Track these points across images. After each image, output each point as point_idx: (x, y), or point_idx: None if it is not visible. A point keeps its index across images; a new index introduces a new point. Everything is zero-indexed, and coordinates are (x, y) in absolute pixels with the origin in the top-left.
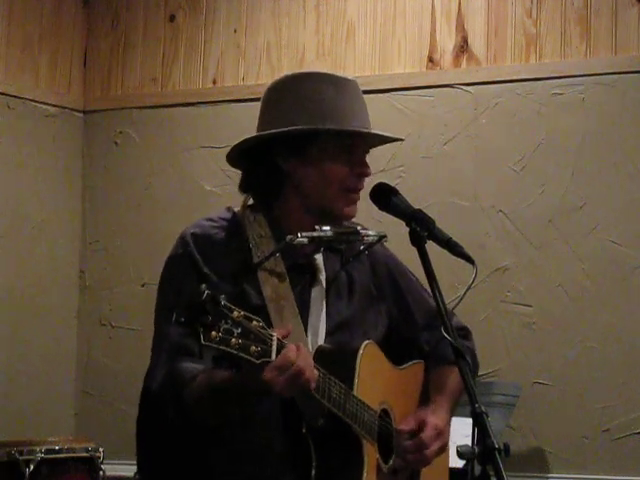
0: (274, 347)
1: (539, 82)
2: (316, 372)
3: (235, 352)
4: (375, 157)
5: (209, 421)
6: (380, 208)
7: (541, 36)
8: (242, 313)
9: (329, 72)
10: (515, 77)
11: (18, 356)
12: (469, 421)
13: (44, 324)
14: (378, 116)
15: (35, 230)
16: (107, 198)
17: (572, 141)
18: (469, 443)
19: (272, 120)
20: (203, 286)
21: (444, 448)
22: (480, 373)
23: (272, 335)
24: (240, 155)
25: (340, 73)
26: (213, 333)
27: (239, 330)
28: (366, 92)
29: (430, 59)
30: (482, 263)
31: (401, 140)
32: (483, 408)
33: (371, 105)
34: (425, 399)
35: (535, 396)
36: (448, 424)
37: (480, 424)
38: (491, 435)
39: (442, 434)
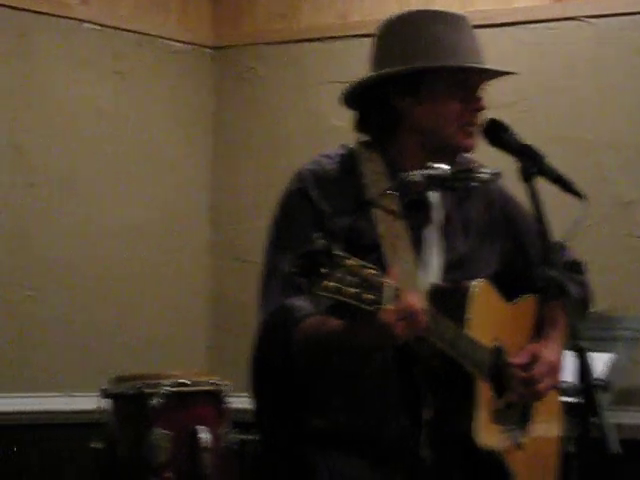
0: (388, 294)
1: None
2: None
3: (349, 300)
4: (498, 91)
5: (315, 364)
6: (491, 144)
7: None
8: (356, 261)
9: (440, 10)
10: (638, 9)
11: (151, 292)
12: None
13: (176, 260)
14: (501, 50)
15: (166, 166)
16: (237, 134)
17: None
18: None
19: (385, 59)
20: (316, 235)
21: (557, 382)
22: (603, 308)
23: (386, 282)
24: (354, 95)
25: (464, 10)
26: (326, 282)
27: (353, 278)
28: (490, 26)
29: None
30: (606, 197)
31: (514, 74)
32: (585, 344)
33: (495, 39)
34: (538, 334)
35: None
36: (561, 358)
37: (581, 360)
38: (589, 372)
39: (555, 368)
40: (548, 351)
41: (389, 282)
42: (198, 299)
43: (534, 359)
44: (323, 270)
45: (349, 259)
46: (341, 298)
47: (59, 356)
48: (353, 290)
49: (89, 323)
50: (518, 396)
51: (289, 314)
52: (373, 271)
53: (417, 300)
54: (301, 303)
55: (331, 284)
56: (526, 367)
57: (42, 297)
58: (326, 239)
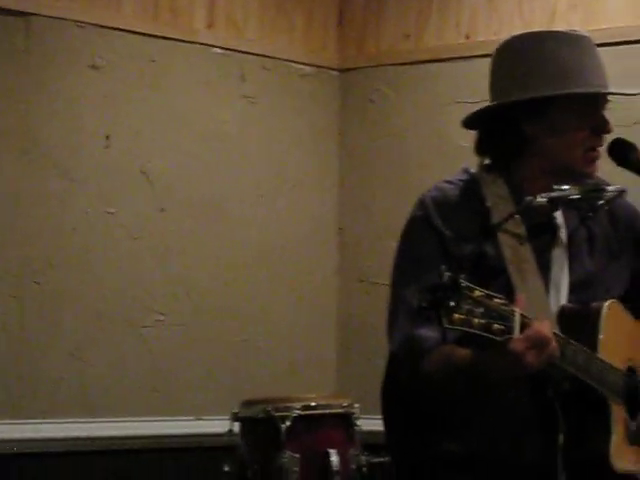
0: (517, 323)
1: None
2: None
3: (478, 332)
4: (629, 109)
5: (445, 393)
6: (618, 164)
7: None
8: (483, 292)
9: (562, 30)
10: None
11: (279, 314)
12: None
13: (305, 282)
14: (631, 67)
15: (294, 188)
16: (363, 155)
17: None
18: None
19: (511, 83)
20: (443, 267)
21: None
22: None
23: (514, 311)
24: (478, 118)
25: (588, 28)
26: (455, 315)
27: (481, 309)
28: (619, 43)
29: None
30: None
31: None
32: None
33: (624, 56)
34: None
35: None
36: None
37: None
38: None
39: None
40: None
41: (517, 311)
42: (327, 321)
43: None
44: (451, 303)
45: (476, 290)
46: (471, 330)
47: (189, 380)
48: (482, 321)
49: (219, 346)
50: None
51: (417, 345)
52: (501, 301)
53: (546, 327)
54: (429, 334)
55: (460, 317)
56: None
57: (172, 321)
58: (452, 271)
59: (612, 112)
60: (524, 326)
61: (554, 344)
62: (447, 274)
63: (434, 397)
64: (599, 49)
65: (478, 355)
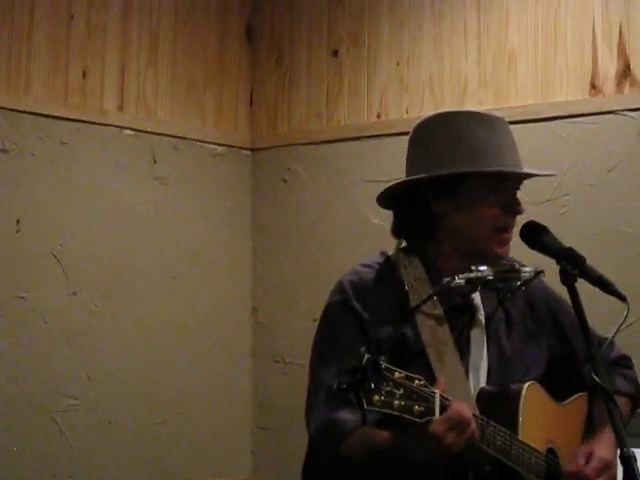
0: (437, 404)
1: None
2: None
3: (398, 414)
4: (540, 187)
5: (365, 476)
6: (530, 247)
7: None
8: (403, 374)
9: (476, 110)
10: None
11: (193, 394)
12: None
13: (218, 362)
14: (541, 145)
15: (207, 269)
16: (276, 235)
17: None
18: None
19: (421, 161)
20: (363, 349)
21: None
22: None
23: (434, 392)
24: (390, 196)
25: (499, 106)
26: (375, 397)
27: (401, 391)
28: (529, 121)
29: (593, 86)
30: None
31: (552, 175)
32: (632, 452)
33: (534, 134)
34: (590, 432)
35: None
36: (615, 456)
37: (629, 469)
38: None
39: (609, 467)
40: (601, 450)
41: (437, 392)
42: (242, 402)
43: (587, 458)
44: (371, 385)
45: (396, 372)
46: (391, 412)
47: (104, 465)
48: (402, 403)
49: (133, 430)
50: None
51: (336, 429)
52: (421, 382)
53: (466, 409)
54: (348, 416)
55: (380, 398)
56: (580, 471)
57: (86, 406)
58: (371, 353)
59: (523, 190)
60: (444, 407)
61: (474, 425)
62: (367, 356)
63: None
64: (511, 126)
65: (398, 437)
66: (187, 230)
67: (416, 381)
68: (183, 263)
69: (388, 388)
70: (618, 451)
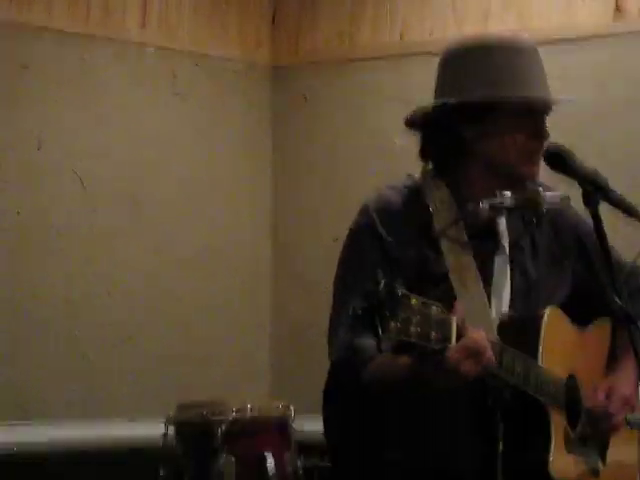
0: (454, 331)
1: None
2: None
3: (415, 340)
4: (563, 109)
5: (387, 402)
6: (554, 170)
7: None
8: (420, 300)
9: (506, 35)
10: None
11: (213, 313)
12: None
13: (239, 280)
14: (564, 66)
15: (228, 187)
16: (297, 153)
17: None
18: None
19: (451, 87)
20: (380, 275)
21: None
22: None
23: (451, 319)
24: (419, 119)
25: (522, 27)
26: (392, 324)
27: (417, 318)
28: (552, 42)
29: (617, 7)
30: None
31: (572, 101)
32: None
33: (557, 55)
34: (613, 359)
35: None
36: (637, 389)
37: None
38: None
39: (630, 401)
40: (622, 383)
41: (454, 319)
42: (261, 319)
43: (609, 394)
44: (387, 311)
45: (413, 298)
46: (407, 338)
47: (124, 382)
48: (418, 329)
49: (154, 347)
50: (593, 430)
51: (357, 354)
52: (438, 309)
53: (483, 336)
54: (369, 343)
55: (396, 325)
56: (600, 405)
57: (107, 322)
58: (391, 278)
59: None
60: (460, 334)
61: (490, 353)
62: (383, 282)
63: (375, 406)
64: None
65: (416, 364)
66: (208, 147)
67: (433, 307)
68: (204, 180)
69: (404, 315)
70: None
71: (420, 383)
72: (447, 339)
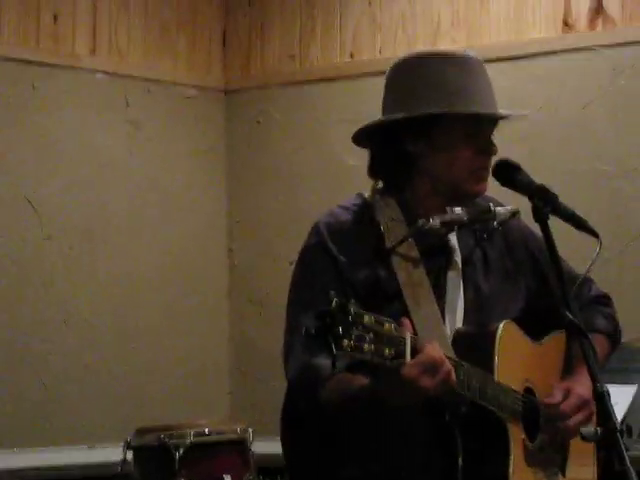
0: (408, 347)
1: None
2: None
3: (369, 358)
4: (513, 125)
5: (343, 420)
6: (503, 184)
7: None
8: (373, 317)
9: (453, 51)
10: None
11: (171, 336)
12: (624, 389)
13: (196, 304)
14: (515, 83)
15: (182, 212)
16: (251, 176)
17: None
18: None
19: (397, 103)
20: (332, 293)
21: (590, 418)
22: (629, 339)
23: (405, 335)
24: (367, 136)
25: (472, 45)
26: (345, 341)
27: (371, 335)
28: (502, 59)
29: (565, 22)
30: (628, 227)
31: (525, 115)
32: (605, 388)
33: (507, 72)
34: (568, 370)
35: None
36: (591, 395)
37: (602, 405)
38: (612, 416)
39: (587, 404)
40: (579, 386)
41: (408, 335)
42: (218, 344)
43: (565, 394)
44: (340, 329)
45: (366, 315)
46: (360, 356)
47: (80, 409)
48: (372, 347)
49: (110, 373)
50: (551, 434)
51: (313, 374)
52: (391, 325)
53: (438, 350)
54: (325, 362)
55: (350, 343)
56: (558, 404)
57: (62, 350)
58: (345, 297)
59: (496, 129)
60: (415, 350)
61: (448, 365)
62: (335, 300)
63: (332, 424)
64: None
65: (373, 383)
66: (161, 173)
67: (386, 324)
68: (157, 206)
69: (358, 332)
70: None
71: (377, 401)
72: (401, 355)
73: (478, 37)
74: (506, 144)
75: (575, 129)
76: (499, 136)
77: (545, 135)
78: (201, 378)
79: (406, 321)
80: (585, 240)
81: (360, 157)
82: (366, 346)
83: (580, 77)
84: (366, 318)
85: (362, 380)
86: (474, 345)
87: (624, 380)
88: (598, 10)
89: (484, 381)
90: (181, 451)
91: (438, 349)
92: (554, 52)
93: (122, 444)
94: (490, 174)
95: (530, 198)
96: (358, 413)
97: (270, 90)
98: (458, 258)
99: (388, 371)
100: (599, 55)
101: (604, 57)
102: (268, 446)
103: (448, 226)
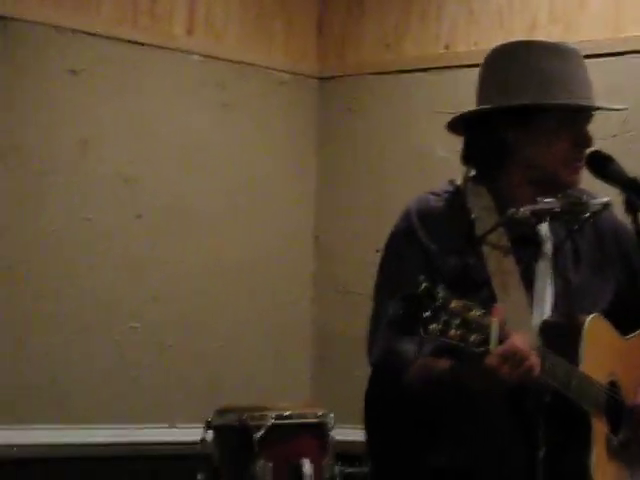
0: (493, 335)
1: None
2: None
3: (455, 342)
4: (607, 122)
5: (428, 406)
6: (595, 176)
7: None
8: (461, 303)
9: (551, 41)
10: None
11: (256, 322)
12: None
13: (281, 291)
14: (612, 80)
15: (271, 197)
16: (342, 165)
17: None
18: None
19: (496, 90)
20: (421, 277)
21: None
22: None
23: (491, 322)
24: (462, 123)
25: (568, 40)
26: (432, 325)
27: (457, 320)
28: (600, 55)
29: None
30: None
31: (624, 109)
32: None
33: (605, 69)
34: None
35: None
36: None
37: None
38: None
39: None
40: None
41: (495, 321)
42: (301, 330)
43: None
44: (427, 313)
45: (453, 300)
46: (447, 340)
47: (163, 387)
48: (459, 332)
49: (193, 354)
50: (636, 434)
51: (397, 359)
52: (478, 311)
53: (523, 341)
54: (409, 347)
55: (436, 326)
56: None
57: (147, 328)
58: (430, 281)
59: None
60: (502, 337)
61: (533, 359)
62: (424, 284)
63: (416, 409)
64: None
65: (458, 368)
66: (252, 157)
67: (474, 310)
68: (246, 190)
69: (445, 317)
70: None
71: (461, 386)
72: (488, 342)
73: (575, 33)
74: (598, 141)
75: None
76: (592, 132)
77: (638, 134)
78: (283, 364)
79: (499, 307)
80: None
81: (450, 149)
82: (452, 331)
83: None
84: (454, 303)
85: (445, 364)
86: (561, 335)
87: None
88: None
89: (569, 372)
90: (261, 432)
91: (524, 340)
92: None
93: (202, 424)
94: (584, 165)
95: (622, 190)
96: (441, 398)
97: (364, 79)
98: (548, 249)
99: (472, 357)
100: None
101: None
102: (347, 433)
103: (539, 216)
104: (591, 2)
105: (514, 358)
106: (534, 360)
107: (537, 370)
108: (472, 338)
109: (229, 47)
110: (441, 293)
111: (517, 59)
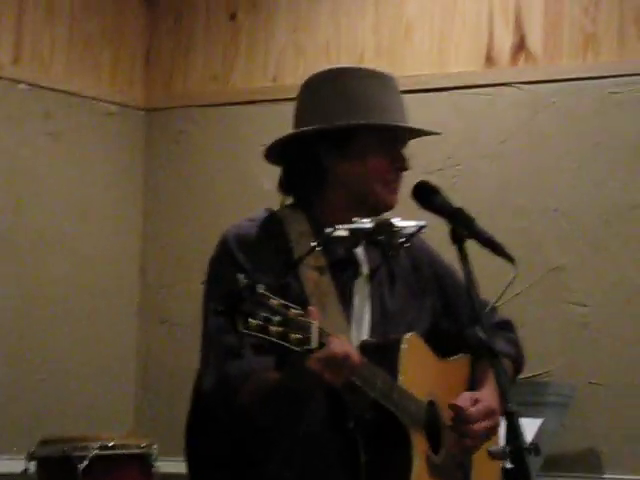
0: (314, 334)
1: (596, 81)
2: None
3: (275, 340)
4: (432, 156)
5: (261, 423)
6: (422, 206)
7: (598, 35)
8: (280, 301)
9: (364, 66)
10: (572, 76)
11: (79, 352)
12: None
13: (105, 321)
14: (436, 115)
15: (97, 228)
16: (168, 196)
17: (629, 141)
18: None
19: (311, 116)
20: (241, 275)
21: (494, 430)
22: (535, 373)
23: (312, 322)
24: (279, 152)
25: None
26: (251, 321)
27: (278, 318)
28: (424, 91)
29: (488, 58)
30: (538, 262)
31: (438, 134)
32: (515, 407)
33: (429, 103)
34: (473, 390)
35: (590, 396)
36: (499, 411)
37: (511, 423)
38: (521, 435)
39: (494, 414)
40: (486, 397)
41: (315, 323)
42: (126, 361)
43: (472, 401)
44: (247, 308)
45: (273, 298)
46: (267, 337)
47: None
48: (279, 330)
49: (15, 383)
50: (455, 441)
51: (231, 382)
52: (298, 311)
53: (342, 343)
54: (238, 369)
55: (257, 323)
56: (465, 408)
57: None
58: (250, 280)
59: (415, 158)
60: (322, 337)
61: (355, 357)
62: (244, 280)
63: (245, 433)
64: (405, 96)
65: (284, 372)
66: (78, 187)
67: (292, 310)
68: (72, 221)
69: (265, 314)
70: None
71: (286, 390)
72: (308, 341)
73: (401, 68)
74: (423, 175)
75: (493, 163)
76: (417, 166)
77: (463, 168)
78: (108, 394)
79: (313, 309)
80: (498, 266)
81: (276, 181)
82: (273, 328)
83: (500, 112)
84: (274, 301)
85: (274, 373)
86: (379, 354)
87: (529, 414)
88: (520, 47)
89: (389, 384)
90: (84, 463)
91: (345, 341)
92: (475, 86)
93: (25, 455)
94: (408, 197)
95: (448, 220)
96: (270, 408)
97: (191, 110)
98: (365, 271)
99: (296, 357)
100: (520, 91)
101: (524, 93)
102: (172, 465)
103: (355, 236)
104: (416, 38)
105: (335, 361)
106: (356, 357)
107: (357, 370)
108: (293, 337)
109: (56, 76)
110: (261, 289)
111: (331, 84)
